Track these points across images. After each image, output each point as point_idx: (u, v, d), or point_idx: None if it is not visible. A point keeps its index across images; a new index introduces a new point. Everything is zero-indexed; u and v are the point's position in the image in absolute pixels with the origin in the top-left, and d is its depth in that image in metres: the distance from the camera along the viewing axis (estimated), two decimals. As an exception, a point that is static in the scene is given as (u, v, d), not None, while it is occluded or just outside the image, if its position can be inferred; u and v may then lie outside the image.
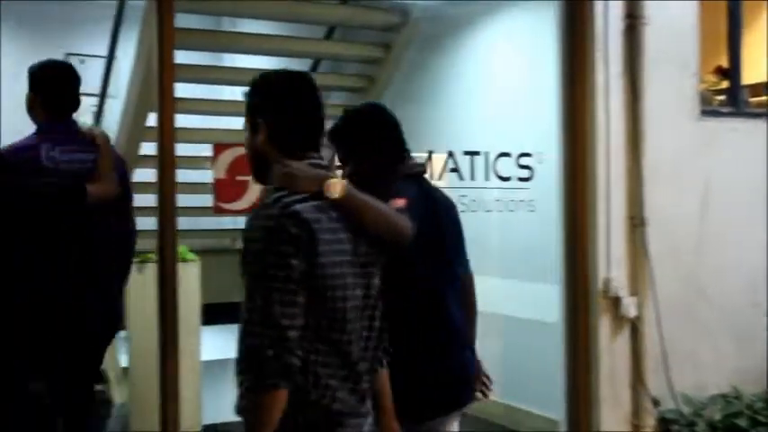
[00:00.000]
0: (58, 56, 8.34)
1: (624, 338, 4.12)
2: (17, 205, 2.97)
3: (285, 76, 2.14)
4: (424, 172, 2.77)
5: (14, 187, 2.99)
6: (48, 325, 3.09)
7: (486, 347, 5.33)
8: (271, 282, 1.90)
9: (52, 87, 3.31)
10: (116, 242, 3.33)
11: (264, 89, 2.11)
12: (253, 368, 1.90)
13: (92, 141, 3.24)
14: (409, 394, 2.35)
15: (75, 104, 3.34)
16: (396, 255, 2.19)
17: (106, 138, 3.32)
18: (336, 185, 1.99)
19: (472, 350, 2.83)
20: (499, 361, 5.24)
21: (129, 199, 3.42)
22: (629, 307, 4.07)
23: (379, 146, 2.57)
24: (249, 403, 1.92)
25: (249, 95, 2.13)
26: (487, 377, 2.93)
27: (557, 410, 4.24)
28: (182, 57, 3.57)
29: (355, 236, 2.04)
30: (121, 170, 3.37)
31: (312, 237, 1.93)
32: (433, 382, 2.52)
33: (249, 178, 3.43)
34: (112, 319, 3.46)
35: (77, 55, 8.35)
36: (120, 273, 3.46)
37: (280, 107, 2.07)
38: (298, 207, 1.93)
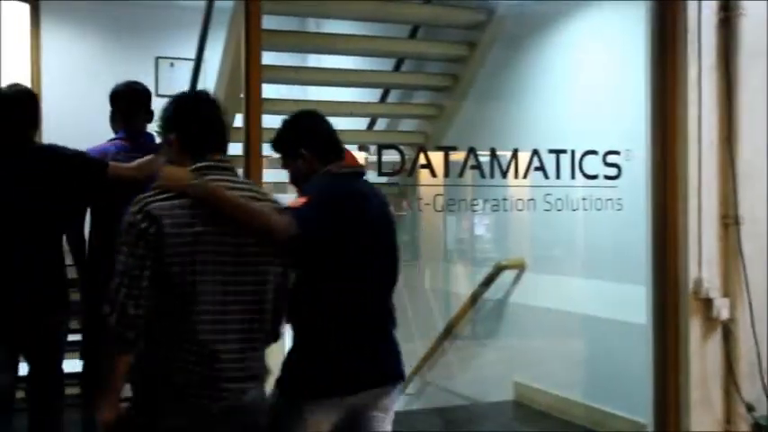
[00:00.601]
0: (149, 59, 8.68)
1: (716, 341, 4.00)
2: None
3: (186, 96, 2.65)
4: (356, 173, 2.86)
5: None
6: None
7: (571, 348, 5.31)
8: (123, 267, 2.31)
9: (124, 104, 3.88)
10: None
11: (171, 109, 2.52)
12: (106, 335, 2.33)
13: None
14: (339, 370, 2.63)
15: (147, 118, 3.86)
16: (321, 246, 2.54)
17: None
18: (197, 187, 2.35)
19: None
20: (583, 362, 5.18)
21: None
22: (722, 309, 3.95)
23: (308, 149, 2.76)
24: (103, 357, 2.39)
25: (161, 116, 2.54)
26: None
27: (643, 414, 4.15)
28: (268, 58, 3.61)
29: (237, 230, 2.38)
30: None
31: (160, 230, 2.29)
32: (360, 359, 2.69)
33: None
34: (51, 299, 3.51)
35: (167, 58, 8.58)
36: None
37: (184, 122, 2.49)
38: (152, 205, 2.32)
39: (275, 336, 2.61)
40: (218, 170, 2.45)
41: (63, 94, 7.58)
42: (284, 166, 2.85)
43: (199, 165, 2.43)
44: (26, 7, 7.89)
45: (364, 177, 2.92)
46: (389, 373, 2.80)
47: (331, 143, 2.83)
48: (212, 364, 2.36)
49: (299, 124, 2.84)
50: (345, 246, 2.65)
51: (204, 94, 2.66)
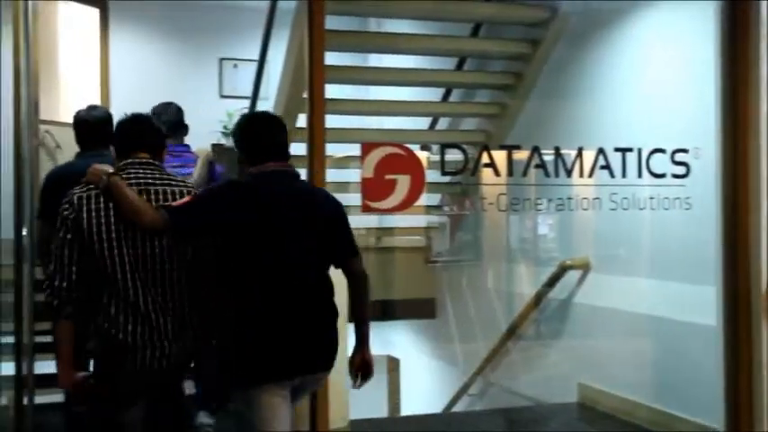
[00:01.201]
0: (213, 61, 8.81)
1: (791, 344, 3.89)
2: None
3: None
4: (280, 172, 3.06)
5: None
6: None
7: (638, 349, 5.22)
8: (54, 248, 2.89)
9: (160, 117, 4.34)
10: None
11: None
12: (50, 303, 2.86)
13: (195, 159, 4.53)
14: (266, 358, 2.91)
15: (181, 131, 4.59)
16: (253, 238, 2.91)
17: (205, 154, 4.68)
18: (101, 182, 2.89)
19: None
20: (650, 364, 5.09)
21: None
22: (797, 310, 3.84)
23: (241, 151, 3.10)
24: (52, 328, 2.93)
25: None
26: (368, 365, 3.21)
27: (713, 418, 4.06)
28: (330, 58, 3.63)
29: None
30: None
31: (78, 215, 2.87)
32: (280, 348, 2.93)
33: (397, 177, 3.47)
34: None
35: (230, 60, 8.70)
36: None
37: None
38: (75, 196, 2.90)
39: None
40: (137, 164, 3.03)
41: (131, 97, 7.73)
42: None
43: (124, 162, 3.03)
44: (96, 12, 8.08)
45: (293, 177, 3.12)
46: (319, 361, 3.07)
47: (261, 147, 3.06)
48: (146, 320, 2.90)
49: (238, 128, 3.14)
50: (234, 235, 2.92)
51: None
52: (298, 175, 3.17)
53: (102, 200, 2.89)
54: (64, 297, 2.84)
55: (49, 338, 4.09)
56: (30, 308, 4.00)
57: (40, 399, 4.10)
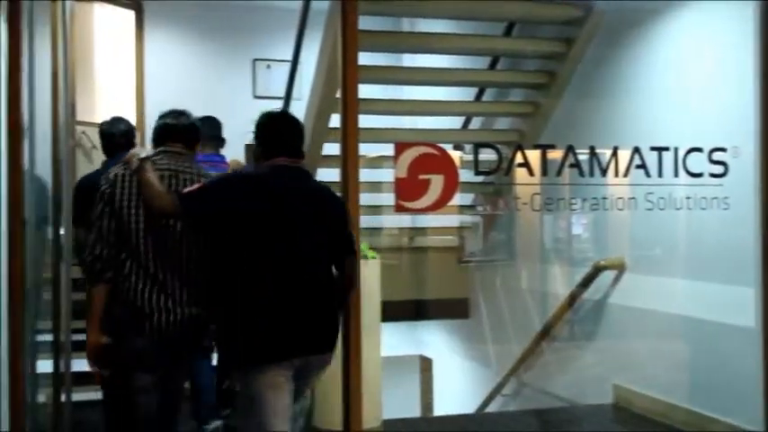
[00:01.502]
0: (246, 61, 8.85)
1: (831, 346, 3.83)
2: None
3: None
4: (287, 167, 3.18)
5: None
6: None
7: (674, 351, 5.16)
8: (94, 219, 3.18)
9: None
10: None
11: None
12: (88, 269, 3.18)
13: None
14: (263, 340, 3.03)
15: (217, 143, 4.76)
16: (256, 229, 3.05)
17: (235, 165, 4.86)
18: (133, 164, 3.18)
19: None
20: (687, 365, 5.03)
21: None
22: (837, 312, 3.78)
23: (257, 144, 3.28)
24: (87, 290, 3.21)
25: None
26: None
27: (750, 420, 4.01)
28: (362, 58, 3.63)
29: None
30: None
31: (113, 190, 3.18)
32: (281, 331, 3.04)
33: (431, 176, 3.46)
34: None
35: (263, 60, 8.74)
36: None
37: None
38: (112, 173, 3.23)
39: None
40: (169, 154, 3.31)
41: (165, 98, 7.79)
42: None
43: (157, 150, 3.33)
44: (131, 14, 8.17)
45: (304, 174, 3.25)
46: (317, 343, 3.16)
47: (276, 143, 3.22)
48: (151, 295, 3.15)
49: (257, 124, 3.30)
50: (247, 223, 3.05)
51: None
52: (308, 173, 3.31)
53: (134, 180, 3.18)
54: (105, 262, 3.14)
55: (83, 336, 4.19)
56: (68, 306, 4.05)
57: (78, 396, 4.15)
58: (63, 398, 4.04)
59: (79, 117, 6.80)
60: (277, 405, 3.03)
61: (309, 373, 3.22)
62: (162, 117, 3.42)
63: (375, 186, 4.82)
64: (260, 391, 3.01)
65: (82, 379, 4.07)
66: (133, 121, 6.41)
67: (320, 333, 3.17)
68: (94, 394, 4.12)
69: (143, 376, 3.18)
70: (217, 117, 4.87)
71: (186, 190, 3.14)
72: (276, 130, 3.25)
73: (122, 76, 8.08)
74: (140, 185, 3.16)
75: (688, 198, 3.92)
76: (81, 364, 4.08)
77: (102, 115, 7.40)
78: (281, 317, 3.04)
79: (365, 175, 3.61)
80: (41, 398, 4.30)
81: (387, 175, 3.69)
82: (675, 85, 5.05)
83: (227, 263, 3.09)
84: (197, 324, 3.24)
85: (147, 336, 3.15)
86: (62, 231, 4.07)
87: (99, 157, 4.65)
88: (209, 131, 4.67)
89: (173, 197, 3.10)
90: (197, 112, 4.72)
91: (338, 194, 3.43)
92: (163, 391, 3.26)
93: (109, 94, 7.69)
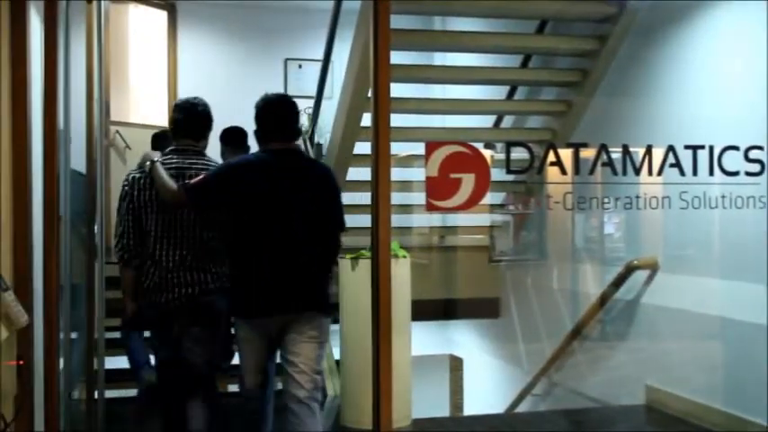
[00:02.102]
0: (278, 61, 8.89)
1: None
2: None
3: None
4: (282, 150, 3.66)
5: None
6: None
7: (709, 352, 5.10)
8: (121, 214, 3.85)
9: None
10: None
11: None
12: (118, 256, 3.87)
13: None
14: (248, 300, 3.65)
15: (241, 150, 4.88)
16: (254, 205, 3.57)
17: None
18: (146, 166, 3.72)
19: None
20: (722, 367, 4.97)
21: None
22: None
23: (257, 129, 3.74)
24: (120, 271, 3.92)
25: None
26: None
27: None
28: (394, 57, 3.62)
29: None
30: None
31: (132, 190, 3.78)
32: (265, 292, 3.61)
33: (462, 176, 3.45)
34: None
35: (295, 60, 8.77)
36: None
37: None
38: (132, 175, 3.83)
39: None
40: (177, 152, 3.81)
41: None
42: None
43: (168, 149, 3.83)
44: (164, 14, 8.23)
45: (297, 154, 3.76)
46: (293, 304, 3.61)
47: (269, 127, 3.69)
48: (164, 273, 3.71)
49: (255, 106, 3.73)
50: (243, 202, 3.55)
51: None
52: (301, 153, 3.85)
53: (148, 179, 3.72)
54: (132, 252, 3.81)
55: (117, 334, 4.29)
56: (101, 304, 4.09)
57: (111, 393, 4.20)
58: (96, 394, 4.09)
59: (113, 117, 6.92)
60: (248, 357, 3.73)
61: (294, 329, 3.63)
62: (173, 110, 3.91)
63: (406, 185, 4.81)
64: (238, 340, 3.75)
65: (115, 376, 4.12)
66: (165, 120, 6.46)
67: (296, 296, 3.60)
68: (127, 391, 4.16)
69: (163, 334, 3.83)
70: (241, 126, 4.91)
71: (192, 181, 3.60)
72: (268, 114, 3.69)
73: (156, 76, 8.15)
74: (153, 183, 3.67)
75: (723, 197, 3.86)
76: (114, 362, 4.14)
77: (135, 115, 7.49)
78: (259, 281, 3.58)
79: (396, 174, 3.60)
80: (75, 394, 4.35)
81: (418, 174, 3.69)
82: (710, 83, 4.99)
83: (229, 236, 3.65)
84: (193, 302, 3.73)
85: (163, 304, 3.74)
86: (96, 230, 4.12)
87: (132, 157, 4.70)
88: (232, 144, 4.90)
89: (180, 191, 3.60)
90: (229, 111, 4.75)
91: (329, 169, 3.95)
92: (187, 350, 3.75)
93: (142, 94, 7.76)
